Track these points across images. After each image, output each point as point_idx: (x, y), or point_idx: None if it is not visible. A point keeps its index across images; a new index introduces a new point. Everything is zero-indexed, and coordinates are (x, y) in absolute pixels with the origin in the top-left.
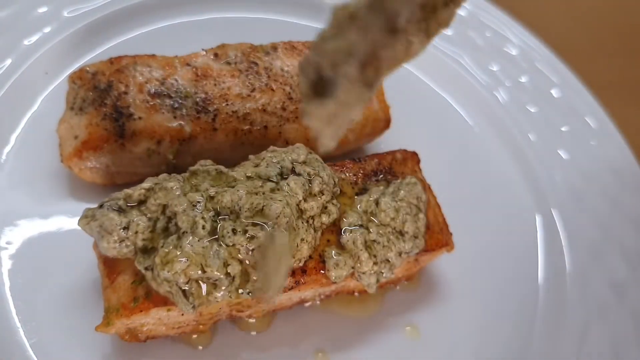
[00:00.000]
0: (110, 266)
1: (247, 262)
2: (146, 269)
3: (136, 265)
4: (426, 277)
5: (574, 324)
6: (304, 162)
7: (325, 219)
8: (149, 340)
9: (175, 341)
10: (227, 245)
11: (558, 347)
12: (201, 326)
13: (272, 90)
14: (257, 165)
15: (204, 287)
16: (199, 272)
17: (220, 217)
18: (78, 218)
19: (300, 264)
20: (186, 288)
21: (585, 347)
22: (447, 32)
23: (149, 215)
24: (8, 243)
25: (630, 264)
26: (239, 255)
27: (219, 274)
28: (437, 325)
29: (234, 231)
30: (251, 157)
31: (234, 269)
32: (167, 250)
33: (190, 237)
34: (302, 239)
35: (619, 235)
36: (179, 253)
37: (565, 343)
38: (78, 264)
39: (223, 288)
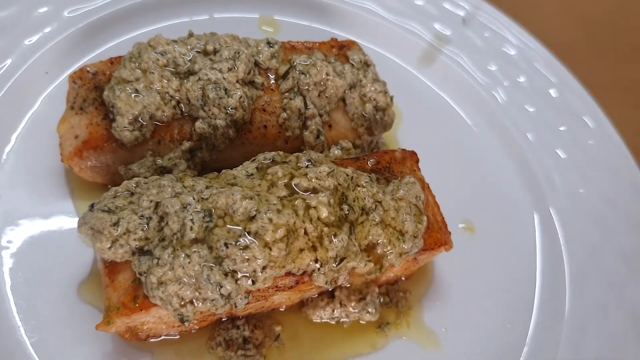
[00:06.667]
0: (110, 265)
1: (241, 272)
2: (140, 274)
3: (132, 267)
4: (425, 276)
5: (572, 323)
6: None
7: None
8: (149, 338)
9: (176, 339)
10: (222, 258)
11: (556, 346)
12: (201, 324)
13: (272, 90)
14: (254, 160)
15: (197, 304)
16: (194, 293)
17: (213, 219)
18: (78, 217)
19: (298, 273)
20: (181, 311)
21: (584, 346)
22: (446, 32)
23: (140, 213)
24: (9, 242)
25: (629, 263)
26: (235, 266)
27: (212, 294)
28: (436, 324)
29: (227, 245)
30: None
31: (227, 289)
32: (161, 272)
33: (182, 257)
34: (302, 249)
35: (617, 235)
36: (171, 275)
37: (564, 342)
38: (78, 262)
39: (219, 306)
